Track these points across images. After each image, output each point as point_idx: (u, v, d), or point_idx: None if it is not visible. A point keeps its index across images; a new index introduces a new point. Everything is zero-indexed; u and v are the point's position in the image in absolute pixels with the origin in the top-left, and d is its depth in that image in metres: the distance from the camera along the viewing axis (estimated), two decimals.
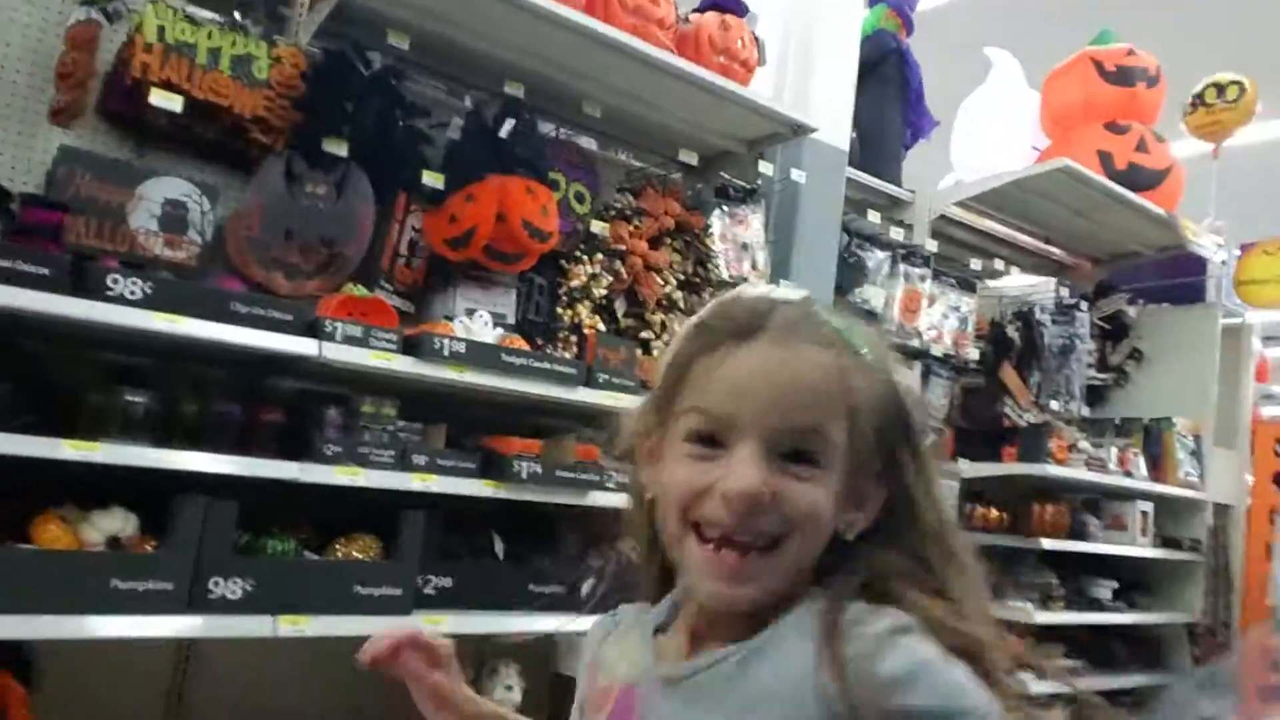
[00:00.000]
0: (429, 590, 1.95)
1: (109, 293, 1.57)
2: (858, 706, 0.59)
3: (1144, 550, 3.74)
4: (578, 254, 2.38)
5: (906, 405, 0.69)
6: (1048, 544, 3.38)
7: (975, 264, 3.58)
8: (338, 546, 1.87)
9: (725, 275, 2.69)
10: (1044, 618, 3.34)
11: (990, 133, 4.12)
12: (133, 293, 1.59)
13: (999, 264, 3.77)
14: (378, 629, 1.82)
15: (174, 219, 1.77)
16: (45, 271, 1.51)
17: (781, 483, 0.64)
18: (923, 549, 0.67)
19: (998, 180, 3.50)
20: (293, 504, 1.88)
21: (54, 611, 1.49)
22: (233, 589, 1.67)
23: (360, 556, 1.88)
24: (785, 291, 0.72)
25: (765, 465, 0.64)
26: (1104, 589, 3.76)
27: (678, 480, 0.67)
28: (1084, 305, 3.97)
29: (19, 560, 1.49)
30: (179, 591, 1.61)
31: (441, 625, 1.88)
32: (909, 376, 0.62)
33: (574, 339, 2.32)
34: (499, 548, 2.16)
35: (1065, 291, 3.96)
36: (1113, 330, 4.26)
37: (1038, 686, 0.67)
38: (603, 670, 0.75)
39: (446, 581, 1.98)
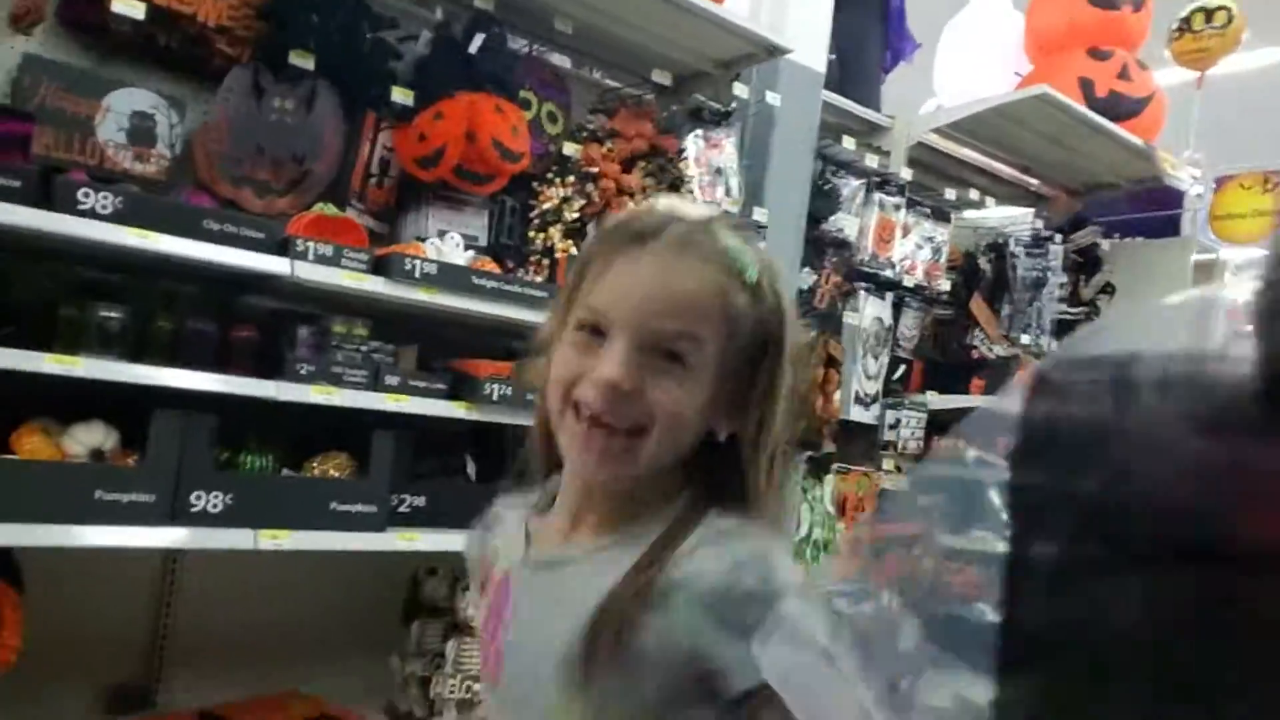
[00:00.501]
0: (403, 509, 2.09)
1: (80, 207, 1.64)
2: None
3: None
4: (549, 176, 2.46)
5: (781, 334, 0.80)
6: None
7: (950, 194, 3.72)
8: (314, 464, 2.00)
9: (699, 200, 2.80)
10: (1004, 547, 3.59)
11: (973, 57, 4.23)
12: (104, 207, 1.67)
13: (975, 194, 3.91)
14: (354, 545, 1.98)
15: (142, 131, 1.83)
16: (15, 184, 1.58)
17: (646, 378, 0.75)
18: (755, 467, 0.80)
19: (977, 106, 3.61)
20: (267, 421, 2.00)
21: (39, 520, 1.60)
22: (214, 503, 1.80)
23: (335, 474, 2.01)
24: (693, 209, 0.82)
25: (632, 361, 0.74)
26: None
27: (561, 363, 0.78)
28: (1058, 238, 4.14)
29: (5, 469, 1.59)
30: (161, 504, 1.73)
31: (416, 542, 2.03)
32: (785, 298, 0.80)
33: (545, 262, 2.43)
34: (471, 468, 2.30)
35: (1041, 224, 4.12)
36: (1086, 264, 4.44)
37: None
38: (496, 560, 0.88)
39: (420, 500, 2.12)
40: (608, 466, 0.77)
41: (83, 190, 1.64)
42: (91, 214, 1.65)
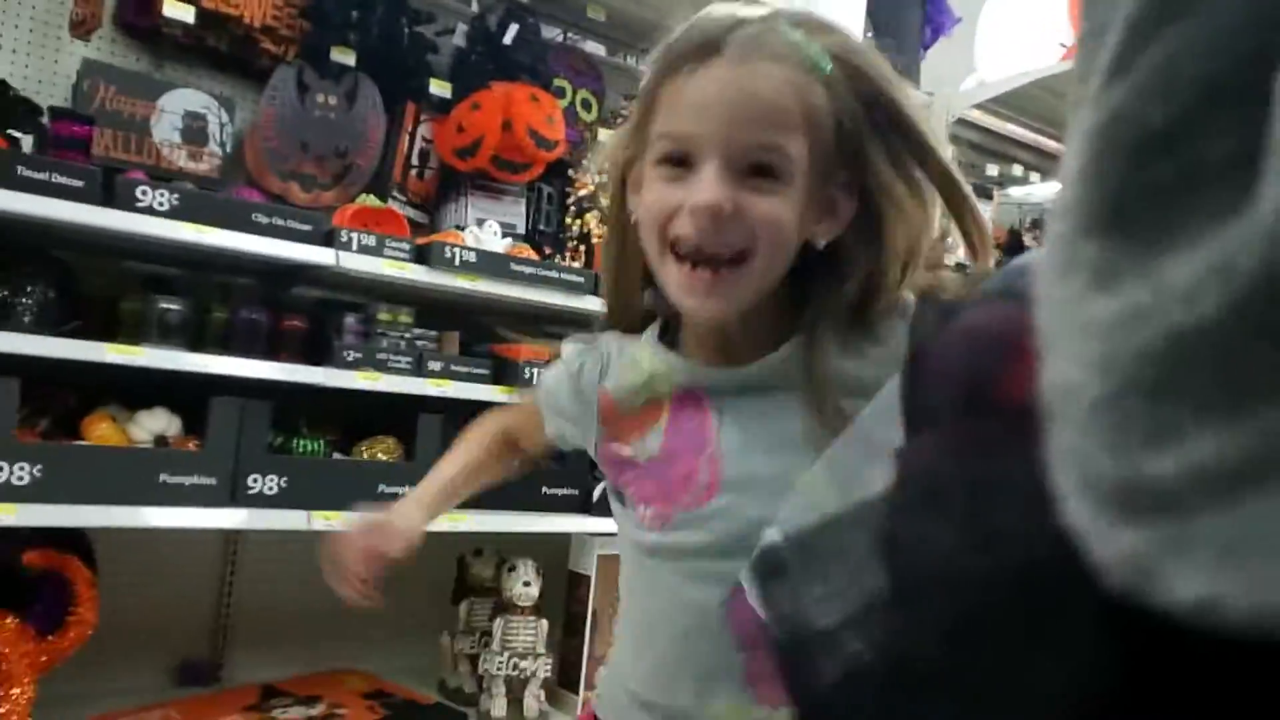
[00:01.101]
0: None
1: (139, 204, 1.75)
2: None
3: None
4: (585, 163, 2.54)
5: (879, 102, 0.75)
6: None
7: (993, 170, 3.71)
8: (362, 447, 2.10)
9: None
10: None
11: (1016, 29, 4.19)
12: (161, 204, 1.78)
13: (1019, 170, 3.89)
14: None
15: (195, 131, 1.94)
16: (78, 184, 1.69)
17: (741, 196, 0.72)
18: (895, 249, 0.75)
19: (1021, 80, 3.59)
20: (318, 407, 2.11)
21: (109, 502, 1.72)
22: (269, 485, 1.91)
23: (383, 457, 2.11)
24: (752, 9, 0.76)
25: (726, 181, 0.71)
26: None
27: (651, 202, 0.75)
28: None
29: (77, 454, 1.72)
30: (221, 486, 1.84)
31: (462, 523, 2.12)
32: (894, 82, 0.76)
33: (582, 248, 2.51)
34: None
35: None
36: None
37: None
38: (624, 395, 0.83)
39: None
40: (718, 302, 0.75)
41: (141, 188, 1.75)
42: (150, 211, 1.76)
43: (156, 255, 1.98)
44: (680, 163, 0.73)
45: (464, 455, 1.06)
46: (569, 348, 0.91)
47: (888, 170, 0.75)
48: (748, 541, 0.61)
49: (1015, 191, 4.00)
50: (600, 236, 2.56)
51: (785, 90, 0.72)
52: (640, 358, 0.83)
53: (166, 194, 1.78)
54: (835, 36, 0.76)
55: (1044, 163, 4.17)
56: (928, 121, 0.78)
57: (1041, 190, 4.11)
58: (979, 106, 3.68)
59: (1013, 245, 3.88)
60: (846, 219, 0.76)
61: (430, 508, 1.05)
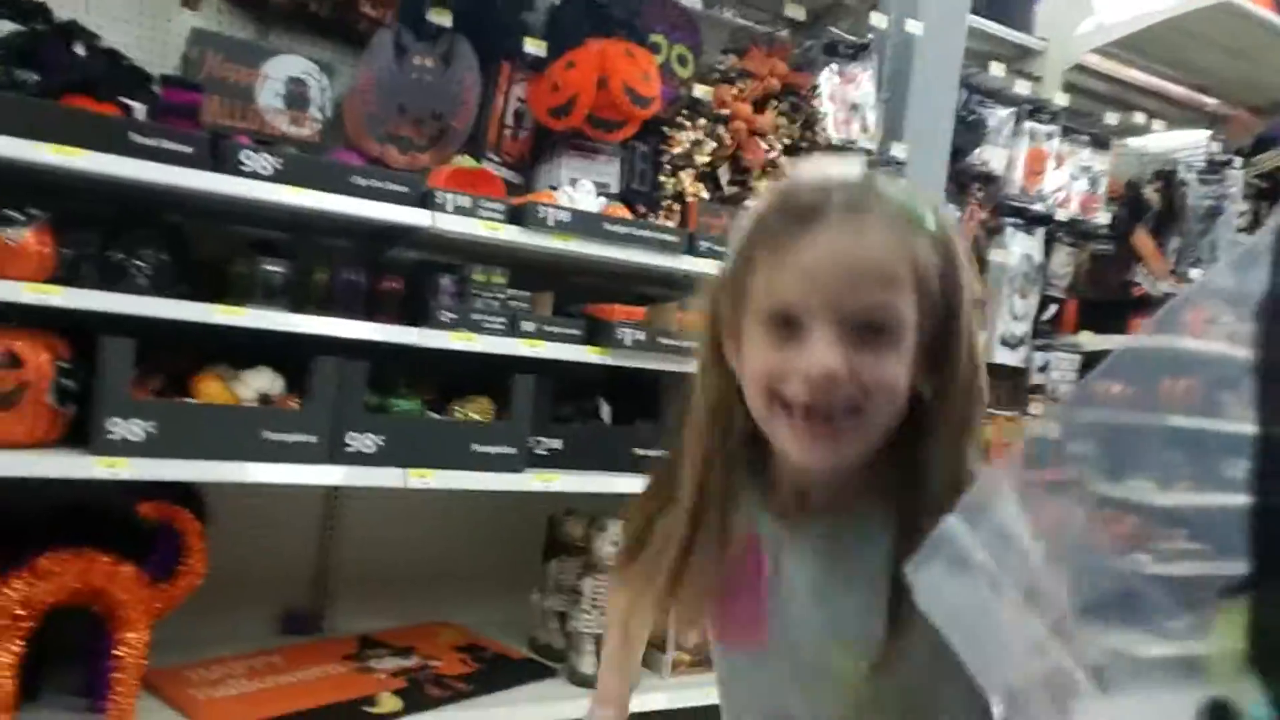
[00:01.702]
0: (540, 451, 2.18)
1: (243, 168, 1.77)
2: None
3: None
4: (680, 120, 2.47)
5: (960, 268, 0.77)
6: (1176, 420, 3.41)
7: (1111, 118, 3.48)
8: (456, 407, 2.12)
9: (834, 138, 2.74)
10: (1165, 499, 3.41)
11: None
12: (264, 168, 1.80)
13: (1140, 118, 3.64)
14: (495, 484, 2.10)
15: (296, 96, 1.96)
16: (188, 149, 1.72)
17: (857, 359, 0.72)
18: (967, 407, 0.78)
19: (1145, 21, 3.34)
20: (414, 367, 2.13)
21: (215, 458, 1.78)
22: (367, 444, 1.94)
23: (477, 417, 2.12)
24: (843, 170, 0.77)
25: (841, 345, 0.72)
26: (1237, 469, 3.76)
27: (759, 364, 0.75)
28: (1237, 162, 3.81)
29: (187, 412, 1.77)
30: (321, 444, 1.88)
31: (553, 483, 2.13)
32: (958, 237, 0.79)
33: (677, 207, 2.45)
34: (605, 412, 2.38)
35: (1217, 147, 3.80)
36: (1270, 189, 4.07)
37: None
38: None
39: (557, 443, 2.21)
40: (831, 453, 0.75)
41: (245, 153, 1.77)
42: (254, 175, 1.78)
43: (261, 219, 2.01)
44: (787, 323, 0.73)
45: (616, 672, 1.17)
46: None
47: (969, 328, 0.77)
48: (784, 681, 0.79)
49: (1135, 141, 3.74)
50: (694, 196, 2.50)
51: (894, 249, 0.73)
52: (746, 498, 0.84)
53: (270, 158, 1.79)
54: (929, 195, 0.80)
55: (1168, 110, 3.88)
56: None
57: (1165, 140, 3.84)
58: (1097, 51, 3.43)
59: (1131, 199, 3.65)
60: (952, 370, 0.77)
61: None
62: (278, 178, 1.80)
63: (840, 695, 0.79)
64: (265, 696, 1.88)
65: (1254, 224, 4.06)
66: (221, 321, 1.78)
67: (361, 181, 1.89)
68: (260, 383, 1.89)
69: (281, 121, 1.95)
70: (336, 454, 1.90)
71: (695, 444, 0.83)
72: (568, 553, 2.33)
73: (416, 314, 2.04)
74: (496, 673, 2.15)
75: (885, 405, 0.75)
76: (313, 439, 1.88)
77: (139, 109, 1.74)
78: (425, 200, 1.96)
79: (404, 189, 1.93)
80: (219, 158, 1.76)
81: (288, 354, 1.91)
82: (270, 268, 1.86)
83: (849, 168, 0.77)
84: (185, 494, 1.84)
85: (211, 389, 1.83)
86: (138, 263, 1.73)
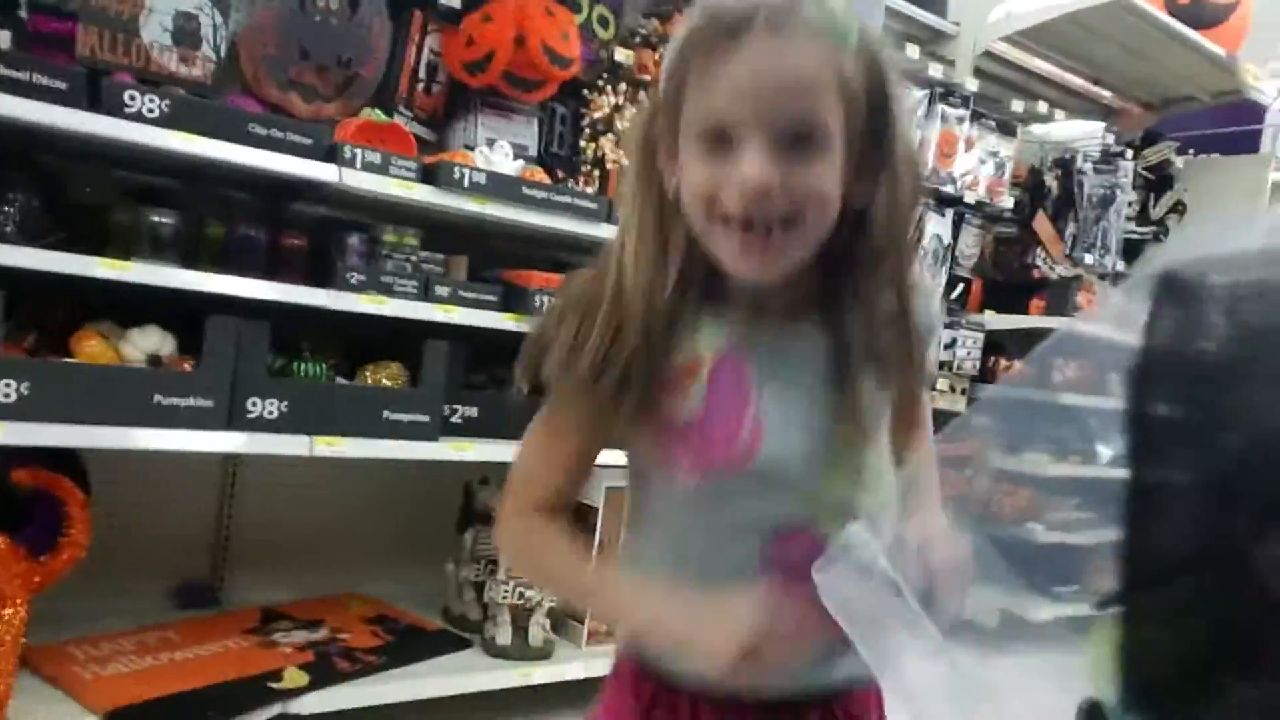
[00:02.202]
0: (456, 419, 2.06)
1: (127, 109, 1.59)
2: None
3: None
4: (601, 83, 2.34)
5: (888, 81, 0.76)
6: (1068, 399, 3.47)
7: (1018, 106, 3.49)
8: (367, 372, 1.97)
9: None
10: (1056, 470, 3.48)
11: None
12: (151, 110, 1.61)
13: (1043, 107, 3.67)
14: (408, 453, 1.96)
15: (186, 33, 1.76)
16: (61, 85, 1.53)
17: (787, 170, 0.71)
18: (899, 223, 0.78)
19: (1050, 13, 3.35)
20: (320, 330, 1.97)
21: (99, 423, 1.60)
22: (270, 409, 1.78)
23: (388, 383, 1.98)
24: None
25: (771, 156, 0.71)
26: (1122, 445, 3.86)
27: (696, 180, 0.74)
28: (1129, 154, 3.88)
29: (65, 372, 1.58)
30: (218, 409, 1.72)
31: (468, 452, 2.01)
32: (895, 55, 0.78)
33: (597, 173, 2.33)
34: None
35: (1111, 138, 3.87)
36: (1157, 181, 4.18)
37: None
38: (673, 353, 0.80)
39: (472, 411, 2.08)
40: (771, 264, 0.75)
41: (129, 93, 1.59)
42: (139, 117, 1.60)
43: (147, 165, 1.82)
44: (720, 138, 0.72)
45: (561, 545, 0.85)
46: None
47: (905, 138, 0.77)
48: (782, 492, 0.76)
49: (1038, 129, 3.78)
50: (614, 162, 2.39)
51: (820, 62, 0.72)
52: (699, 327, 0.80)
53: (157, 99, 1.61)
54: (857, 13, 0.75)
55: (1068, 100, 3.93)
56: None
57: (1065, 129, 3.88)
58: (1006, 39, 3.44)
59: (1033, 184, 3.68)
60: (879, 182, 0.77)
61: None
62: (165, 121, 1.62)
63: (832, 474, 0.79)
64: (158, 673, 1.73)
65: (1141, 213, 4.16)
66: (104, 275, 1.59)
67: (260, 130, 1.72)
68: (149, 343, 1.70)
69: (169, 60, 1.76)
70: (235, 420, 1.75)
71: (634, 268, 0.78)
72: (484, 522, 2.21)
73: (322, 274, 1.88)
74: (409, 645, 2.03)
75: (818, 216, 0.74)
76: (208, 404, 1.71)
77: (2, 36, 1.53)
78: (332, 154, 1.81)
79: (308, 141, 1.77)
80: (98, 96, 1.57)
81: (179, 312, 1.73)
82: (158, 219, 1.68)
83: None
84: (66, 460, 1.65)
85: (93, 348, 1.64)
86: (4, 208, 1.53)
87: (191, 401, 1.70)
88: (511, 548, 0.86)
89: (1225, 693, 0.41)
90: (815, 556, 0.70)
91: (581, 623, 2.19)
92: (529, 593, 2.07)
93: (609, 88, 2.35)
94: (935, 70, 3.18)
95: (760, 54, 0.70)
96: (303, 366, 1.88)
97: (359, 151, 1.82)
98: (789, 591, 0.69)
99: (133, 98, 1.59)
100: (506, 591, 2.07)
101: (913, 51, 3.12)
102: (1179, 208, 4.21)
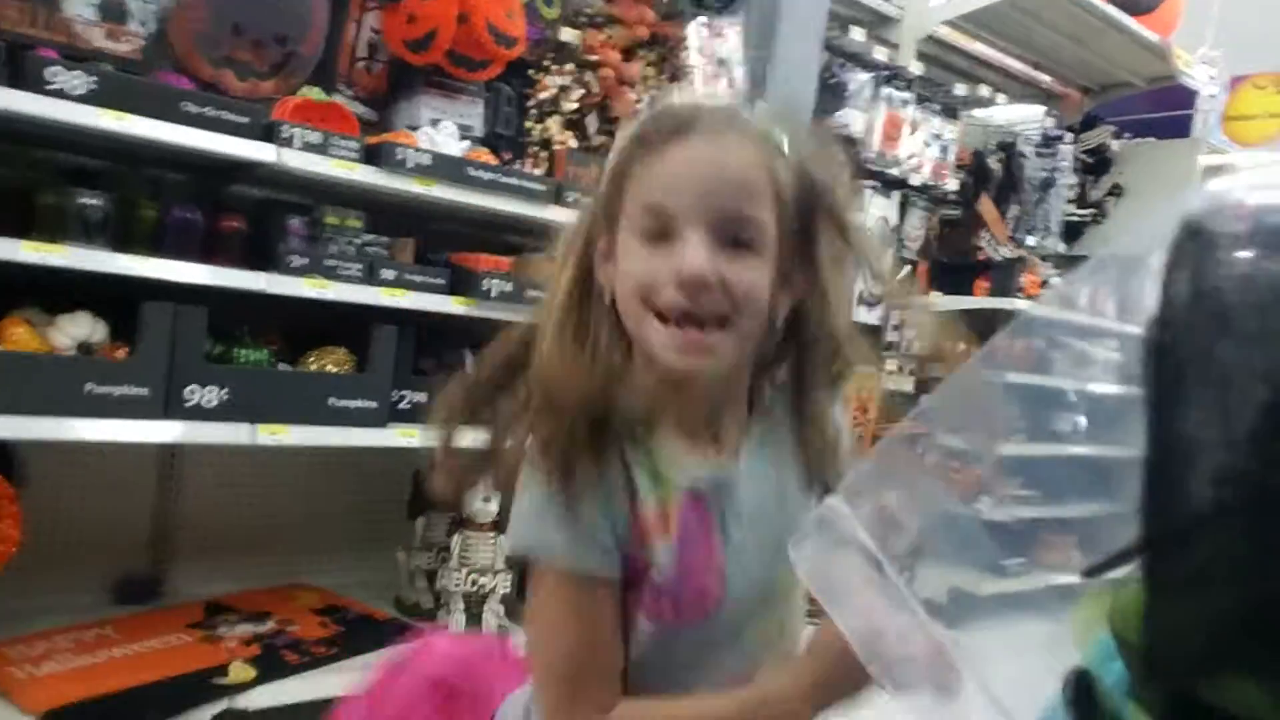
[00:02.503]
0: (404, 405, 2.02)
1: (49, 86, 1.52)
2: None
3: (1108, 388, 3.91)
4: (546, 64, 2.31)
5: (827, 193, 0.78)
6: (1014, 377, 3.53)
7: (960, 90, 3.54)
8: (311, 359, 1.92)
9: (700, 94, 2.65)
10: (1004, 449, 3.54)
11: None
12: (75, 87, 1.55)
13: (985, 91, 3.72)
14: (355, 440, 1.92)
15: (113, 7, 1.69)
16: None
17: (726, 267, 0.73)
18: (834, 328, 0.80)
19: None
20: (261, 315, 1.92)
21: (28, 413, 1.54)
22: (209, 397, 1.72)
23: (334, 369, 1.93)
24: (709, 97, 0.82)
25: (710, 250, 0.72)
26: (1066, 424, 3.96)
27: (634, 271, 0.74)
28: (1068, 138, 3.97)
29: None
30: (155, 397, 1.66)
31: (417, 439, 1.97)
32: (830, 163, 0.80)
33: (544, 154, 2.30)
34: (470, 365, 2.22)
35: (1052, 123, 3.95)
36: (1095, 165, 4.27)
37: None
38: (640, 500, 0.77)
39: (421, 396, 2.05)
40: (703, 359, 0.74)
41: (52, 69, 1.52)
42: (62, 94, 1.53)
43: (74, 145, 1.75)
44: (660, 232, 0.74)
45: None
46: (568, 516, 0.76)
47: (834, 246, 0.79)
48: (737, 636, 0.78)
49: (980, 113, 3.83)
50: (562, 144, 2.36)
51: (756, 165, 0.75)
52: (656, 462, 0.78)
53: (83, 76, 1.55)
54: (791, 123, 0.79)
55: (1009, 84, 3.99)
56: (859, 217, 0.83)
57: (1006, 113, 3.95)
58: (949, 24, 3.48)
59: (976, 167, 3.74)
60: (801, 290, 0.79)
61: None
62: (92, 99, 1.56)
63: (781, 609, 0.82)
64: (98, 672, 1.67)
65: (1080, 196, 4.25)
66: (29, 260, 1.52)
67: (193, 108, 1.66)
68: (79, 330, 1.64)
69: (95, 35, 1.69)
70: (172, 408, 1.69)
71: (561, 364, 0.76)
72: (435, 510, 2.18)
73: (262, 257, 1.82)
74: (360, 635, 1.99)
75: (751, 316, 0.75)
76: (144, 392, 1.66)
77: None
78: (269, 133, 1.76)
79: (243, 119, 1.72)
80: (18, 72, 1.50)
81: (111, 298, 1.67)
82: (87, 200, 1.61)
83: (718, 98, 0.82)
84: None
85: (19, 336, 1.57)
86: None
87: (126, 390, 1.64)
88: None
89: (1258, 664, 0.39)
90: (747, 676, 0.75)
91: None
92: (482, 580, 2.05)
93: (555, 68, 2.32)
94: (880, 54, 3.21)
95: (702, 151, 0.73)
96: (243, 353, 1.83)
97: (298, 131, 1.77)
98: None
99: (55, 74, 1.52)
100: (459, 579, 2.04)
101: (858, 34, 3.14)
102: (1116, 190, 4.32)
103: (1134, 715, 0.43)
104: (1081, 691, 0.46)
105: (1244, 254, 0.43)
